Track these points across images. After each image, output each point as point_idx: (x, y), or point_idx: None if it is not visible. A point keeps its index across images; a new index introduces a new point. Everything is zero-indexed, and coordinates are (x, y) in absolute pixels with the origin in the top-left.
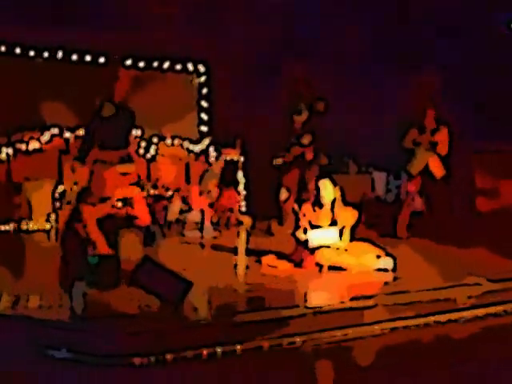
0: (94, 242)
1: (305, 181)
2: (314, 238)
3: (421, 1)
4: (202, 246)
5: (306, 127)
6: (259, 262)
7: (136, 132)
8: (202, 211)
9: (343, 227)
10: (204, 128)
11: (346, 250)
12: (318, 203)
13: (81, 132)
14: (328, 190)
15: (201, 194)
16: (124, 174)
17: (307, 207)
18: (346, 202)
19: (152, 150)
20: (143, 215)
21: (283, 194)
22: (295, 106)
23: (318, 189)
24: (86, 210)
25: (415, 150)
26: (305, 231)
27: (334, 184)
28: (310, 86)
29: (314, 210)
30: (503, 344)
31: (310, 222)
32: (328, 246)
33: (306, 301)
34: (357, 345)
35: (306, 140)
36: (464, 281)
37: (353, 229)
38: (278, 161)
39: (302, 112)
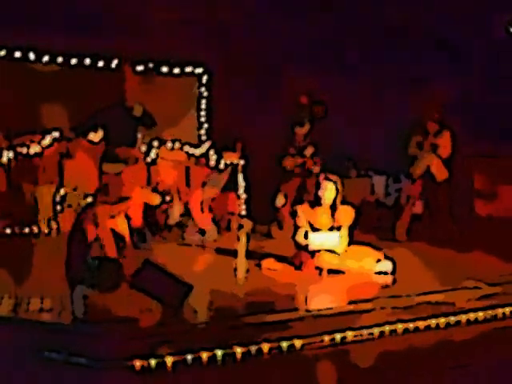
0: (103, 244)
1: (306, 188)
2: (316, 241)
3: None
4: (203, 249)
5: (308, 138)
6: (259, 265)
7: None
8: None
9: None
10: (204, 132)
11: (345, 252)
12: (316, 202)
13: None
14: (329, 192)
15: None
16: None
17: (305, 207)
18: (343, 202)
19: (152, 154)
20: (136, 217)
21: (280, 200)
22: (297, 117)
23: (317, 188)
24: (101, 210)
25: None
26: (305, 235)
27: (337, 187)
28: (312, 99)
29: (312, 208)
30: (502, 347)
31: (310, 224)
32: (328, 250)
33: (305, 304)
34: (356, 348)
35: (308, 152)
36: (463, 284)
37: (351, 231)
38: (289, 162)
39: (304, 124)
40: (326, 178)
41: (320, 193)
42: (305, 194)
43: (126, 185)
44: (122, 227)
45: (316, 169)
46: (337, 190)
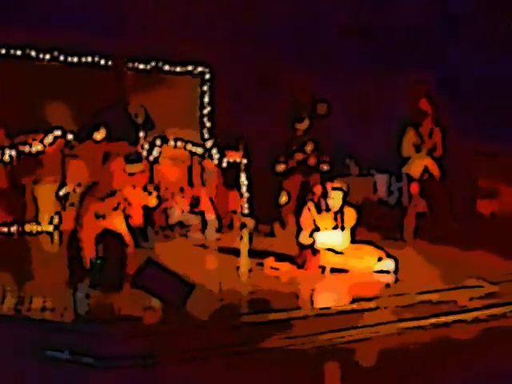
0: (81, 243)
1: (308, 186)
2: (320, 238)
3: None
4: (205, 247)
5: (308, 134)
6: (261, 264)
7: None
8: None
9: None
10: (207, 130)
11: (348, 250)
12: (324, 208)
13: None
14: (337, 200)
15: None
16: (131, 174)
17: (310, 210)
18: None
19: (155, 152)
20: (136, 215)
21: (283, 198)
22: (296, 113)
23: (325, 194)
24: (86, 207)
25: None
26: (311, 234)
27: (344, 193)
28: (312, 97)
29: (319, 213)
30: (504, 346)
31: (314, 224)
32: (331, 249)
33: (308, 303)
34: (359, 346)
35: (309, 147)
36: (465, 283)
37: (353, 230)
38: (281, 167)
39: (303, 120)
40: (334, 188)
41: (329, 201)
42: (308, 191)
43: (116, 180)
44: (120, 226)
45: (325, 167)
46: (344, 195)
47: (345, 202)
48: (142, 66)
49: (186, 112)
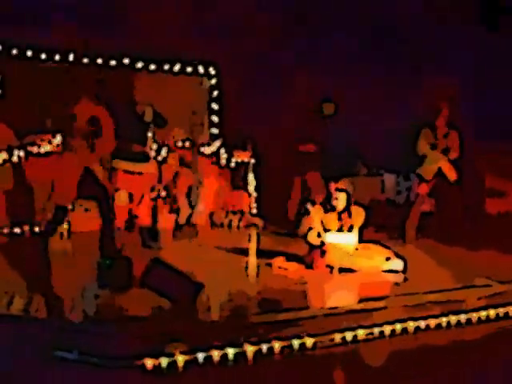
0: None
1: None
2: (332, 240)
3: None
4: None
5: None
6: (269, 264)
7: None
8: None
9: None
10: (215, 130)
11: (356, 250)
12: (330, 207)
13: None
14: (341, 201)
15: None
16: (139, 174)
17: (318, 209)
18: (354, 202)
19: (163, 152)
20: (144, 215)
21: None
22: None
23: (329, 197)
24: None
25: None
26: (318, 235)
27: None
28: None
29: (326, 212)
30: None
31: (322, 223)
32: (340, 249)
33: (316, 302)
34: (367, 346)
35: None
36: (473, 282)
37: (361, 230)
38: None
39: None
40: (337, 189)
41: (333, 202)
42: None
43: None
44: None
45: None
46: (348, 196)
47: (349, 203)
48: (150, 67)
49: (194, 112)
